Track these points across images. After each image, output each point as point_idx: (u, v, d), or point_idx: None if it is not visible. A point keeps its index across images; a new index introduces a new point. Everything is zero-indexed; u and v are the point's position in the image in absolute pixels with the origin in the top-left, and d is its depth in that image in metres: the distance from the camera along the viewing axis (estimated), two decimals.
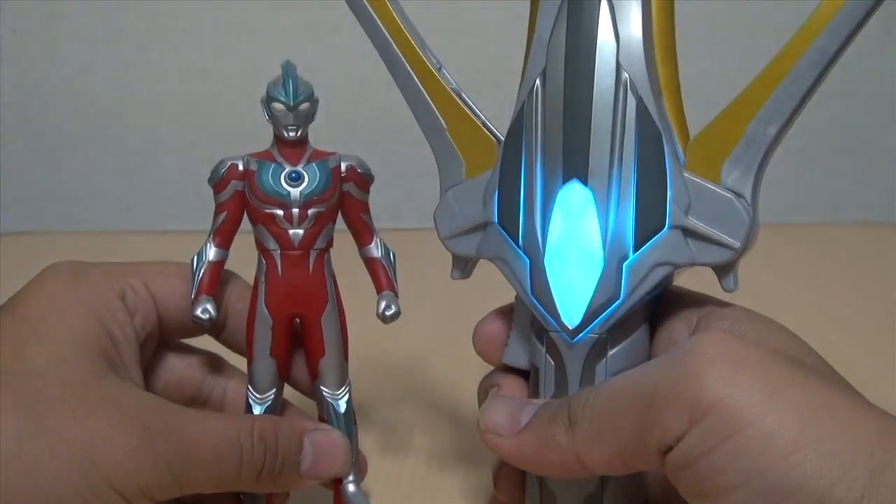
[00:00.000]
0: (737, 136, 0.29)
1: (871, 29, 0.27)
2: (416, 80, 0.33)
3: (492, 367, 0.36)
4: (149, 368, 0.36)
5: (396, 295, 0.35)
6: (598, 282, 0.30)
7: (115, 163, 0.81)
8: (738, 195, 0.29)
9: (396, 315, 0.35)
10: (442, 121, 0.33)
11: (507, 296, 0.34)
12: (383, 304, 0.35)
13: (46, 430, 0.28)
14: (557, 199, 0.31)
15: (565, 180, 0.30)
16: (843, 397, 0.25)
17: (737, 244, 0.29)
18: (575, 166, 0.30)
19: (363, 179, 0.35)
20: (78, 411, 0.29)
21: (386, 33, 0.33)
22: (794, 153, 0.79)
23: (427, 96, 0.33)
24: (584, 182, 0.30)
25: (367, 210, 0.36)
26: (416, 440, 0.45)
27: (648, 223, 0.30)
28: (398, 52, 0.33)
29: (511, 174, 0.32)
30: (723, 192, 0.29)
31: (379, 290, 0.35)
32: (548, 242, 0.31)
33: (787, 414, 0.24)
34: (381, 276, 0.36)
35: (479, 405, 0.35)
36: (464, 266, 0.34)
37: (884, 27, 0.78)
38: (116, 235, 0.77)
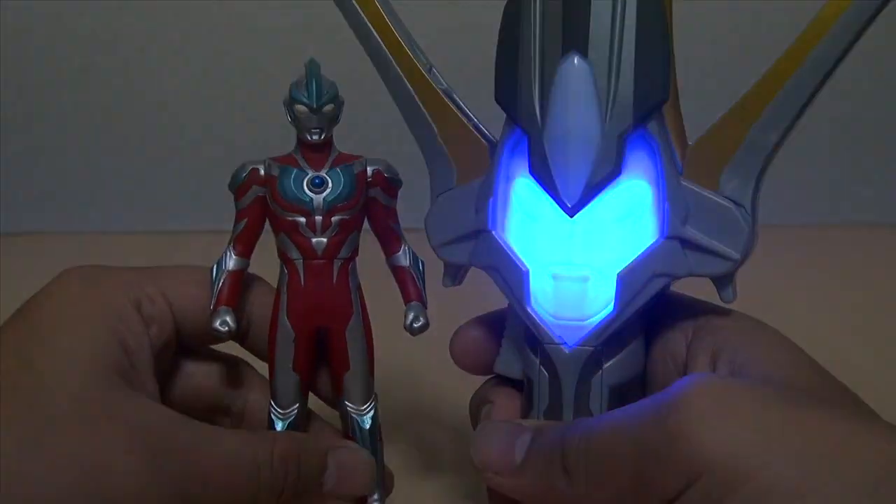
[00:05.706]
0: (737, 142, 0.28)
1: (871, 28, 0.26)
2: (406, 80, 0.32)
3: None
4: (167, 376, 0.35)
5: (425, 306, 0.34)
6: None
7: (115, 163, 0.80)
8: (738, 204, 0.28)
9: (425, 327, 0.34)
10: (432, 124, 0.32)
11: None
12: (411, 316, 0.34)
13: (48, 447, 0.27)
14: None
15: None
16: (843, 425, 0.24)
17: (736, 255, 0.28)
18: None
19: (391, 185, 0.34)
20: (83, 428, 0.28)
21: (374, 32, 0.32)
22: (794, 153, 0.78)
23: (417, 98, 0.32)
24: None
25: (394, 217, 0.34)
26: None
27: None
28: (386, 51, 0.32)
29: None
30: (722, 202, 0.28)
31: (407, 300, 0.34)
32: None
33: (785, 463, 0.23)
34: (410, 286, 0.34)
35: (472, 421, 0.34)
36: (455, 273, 0.33)
37: (884, 27, 0.78)
38: (117, 236, 0.77)
